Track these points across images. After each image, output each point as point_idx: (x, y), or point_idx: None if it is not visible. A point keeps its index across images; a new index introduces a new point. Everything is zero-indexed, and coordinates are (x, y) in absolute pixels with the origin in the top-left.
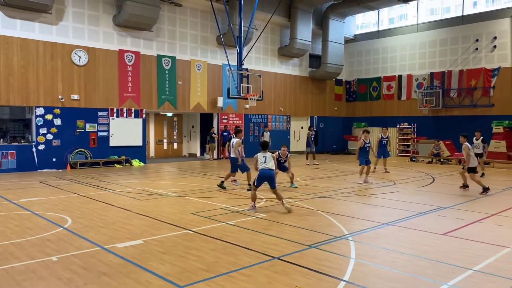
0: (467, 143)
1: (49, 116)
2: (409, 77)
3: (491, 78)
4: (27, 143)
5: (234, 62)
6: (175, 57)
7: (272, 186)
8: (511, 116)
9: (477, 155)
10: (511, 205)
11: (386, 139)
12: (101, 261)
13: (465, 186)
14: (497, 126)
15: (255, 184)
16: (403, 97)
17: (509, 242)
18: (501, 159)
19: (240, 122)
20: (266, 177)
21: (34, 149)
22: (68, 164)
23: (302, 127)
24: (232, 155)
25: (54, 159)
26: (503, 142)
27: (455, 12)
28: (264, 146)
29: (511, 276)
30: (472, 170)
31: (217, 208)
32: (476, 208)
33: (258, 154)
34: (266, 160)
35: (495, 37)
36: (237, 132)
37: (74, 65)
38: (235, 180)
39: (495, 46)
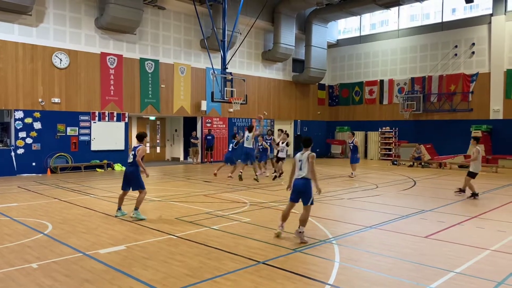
0: (477, 147)
1: (28, 120)
2: (391, 82)
3: (470, 83)
4: (5, 147)
5: (218, 66)
6: (158, 60)
7: (305, 201)
8: (489, 121)
9: None
10: (490, 207)
11: (351, 144)
12: (83, 267)
13: (461, 190)
14: (475, 131)
15: (290, 197)
16: (385, 101)
17: (489, 244)
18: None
19: (224, 126)
20: (298, 189)
21: (12, 153)
22: (48, 169)
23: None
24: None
25: (33, 164)
26: (482, 146)
27: (435, 19)
28: (305, 143)
29: (492, 277)
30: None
31: (201, 212)
32: (456, 211)
33: (297, 154)
34: (301, 165)
35: (473, 43)
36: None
37: (55, 67)
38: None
39: (473, 52)
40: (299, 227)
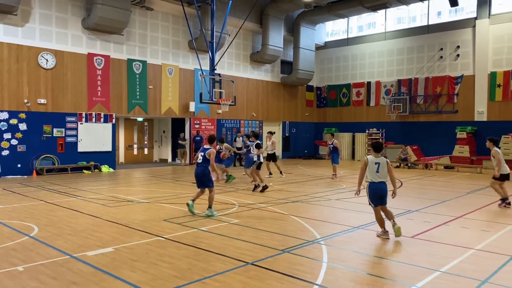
0: (496, 148)
1: (13, 121)
2: (378, 83)
3: (455, 85)
4: None
5: (206, 67)
6: (146, 61)
7: (384, 202)
8: (473, 122)
9: None
10: (475, 207)
11: (331, 145)
12: (71, 270)
13: (504, 200)
14: (460, 132)
15: (372, 203)
16: (372, 103)
17: (473, 243)
18: (465, 163)
19: (213, 127)
20: (380, 193)
21: None
22: (34, 170)
23: (274, 132)
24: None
25: (19, 165)
26: (467, 147)
27: (421, 22)
28: (377, 148)
29: (476, 276)
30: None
31: (190, 214)
32: (442, 211)
33: (368, 157)
34: (378, 168)
35: (458, 46)
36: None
37: (41, 68)
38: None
39: (458, 55)
40: (394, 223)
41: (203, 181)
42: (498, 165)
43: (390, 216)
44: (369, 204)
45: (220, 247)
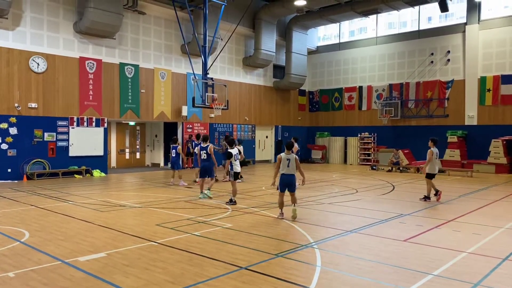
0: (433, 148)
1: (4, 125)
2: (369, 88)
3: (445, 90)
4: None
5: (199, 71)
6: (138, 65)
7: (292, 190)
8: (464, 126)
9: None
10: (466, 211)
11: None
12: (62, 275)
13: (426, 197)
14: (451, 136)
15: (279, 189)
16: (364, 107)
17: (465, 246)
18: (456, 167)
19: (205, 131)
20: (287, 182)
21: None
22: (25, 175)
23: (267, 136)
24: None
25: (9, 170)
26: (457, 151)
27: (411, 27)
28: (289, 147)
29: (467, 279)
30: (429, 176)
31: (183, 218)
32: (434, 214)
33: (281, 154)
34: (289, 163)
35: (449, 51)
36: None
37: (32, 72)
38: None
39: (448, 60)
40: (294, 205)
41: (209, 172)
42: (427, 164)
43: (294, 200)
44: (277, 189)
45: (213, 251)
